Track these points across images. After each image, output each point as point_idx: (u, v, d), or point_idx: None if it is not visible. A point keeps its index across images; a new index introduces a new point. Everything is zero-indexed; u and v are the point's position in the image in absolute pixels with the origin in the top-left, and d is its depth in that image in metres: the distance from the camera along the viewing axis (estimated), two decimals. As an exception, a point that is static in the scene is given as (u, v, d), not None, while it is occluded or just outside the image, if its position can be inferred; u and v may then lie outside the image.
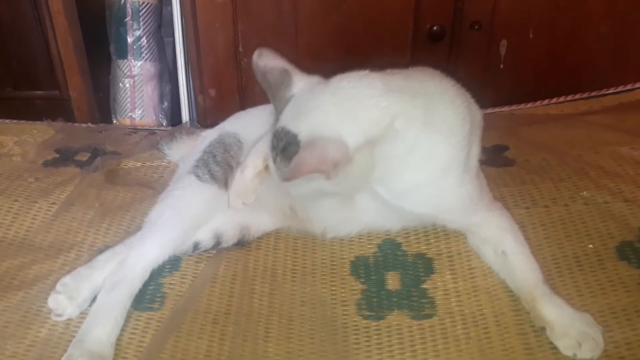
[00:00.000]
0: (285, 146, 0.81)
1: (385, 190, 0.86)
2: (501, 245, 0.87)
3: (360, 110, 0.79)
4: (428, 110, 0.82)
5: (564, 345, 0.77)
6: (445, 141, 0.83)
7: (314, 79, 0.86)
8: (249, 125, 1.04)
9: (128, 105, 1.61)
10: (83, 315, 0.85)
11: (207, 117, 1.53)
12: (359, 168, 0.80)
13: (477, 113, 0.91)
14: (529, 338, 0.80)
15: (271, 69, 0.85)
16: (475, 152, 0.89)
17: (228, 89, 1.51)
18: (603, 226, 0.94)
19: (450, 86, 0.88)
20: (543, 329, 0.79)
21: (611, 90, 1.39)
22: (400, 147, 0.81)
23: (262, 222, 1.00)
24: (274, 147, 0.83)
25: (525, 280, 0.84)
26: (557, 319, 0.78)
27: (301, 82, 0.85)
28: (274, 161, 0.84)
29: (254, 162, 0.94)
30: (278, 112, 0.86)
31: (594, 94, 1.38)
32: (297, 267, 0.94)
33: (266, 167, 0.93)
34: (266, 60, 0.86)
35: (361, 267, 0.94)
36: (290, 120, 0.82)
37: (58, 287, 0.86)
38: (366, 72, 0.83)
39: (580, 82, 1.46)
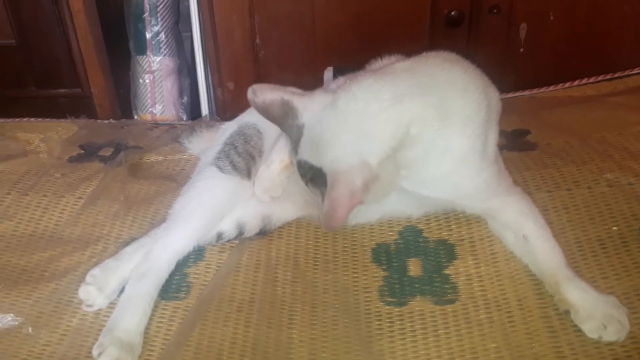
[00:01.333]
0: (312, 177, 0.83)
1: (406, 182, 0.86)
2: (522, 229, 0.87)
3: (374, 129, 0.78)
4: (441, 106, 0.81)
5: (589, 328, 0.76)
6: (461, 133, 0.83)
7: (318, 100, 0.83)
8: None
9: (148, 100, 1.63)
10: (112, 305, 0.87)
11: (226, 110, 1.54)
12: (386, 179, 0.80)
13: (494, 96, 0.89)
14: (552, 321, 0.80)
15: (271, 103, 0.84)
16: (493, 137, 0.88)
17: (246, 81, 1.51)
18: (627, 208, 0.93)
19: (463, 72, 0.86)
20: (567, 312, 0.79)
21: (635, 71, 1.36)
22: (420, 149, 0.81)
23: (283, 211, 1.01)
24: (302, 175, 0.85)
25: (548, 263, 0.84)
26: (582, 302, 0.78)
27: (307, 109, 0.83)
28: (306, 185, 0.86)
29: (280, 156, 0.95)
30: (292, 141, 0.86)
31: (617, 75, 1.35)
32: (318, 255, 0.95)
33: (292, 162, 0.93)
34: (263, 96, 0.84)
35: (382, 254, 0.94)
36: (310, 155, 0.82)
37: (88, 278, 0.88)
38: (370, 79, 0.81)
39: (603, 64, 1.42)
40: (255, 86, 0.85)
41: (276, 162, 0.95)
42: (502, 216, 0.90)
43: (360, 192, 0.76)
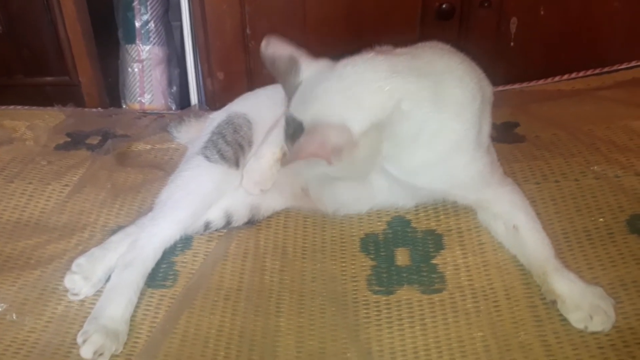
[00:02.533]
0: (293, 133, 0.82)
1: (396, 169, 0.87)
2: (512, 220, 0.87)
3: (364, 96, 0.79)
4: (436, 90, 0.81)
5: (576, 318, 0.77)
6: (454, 119, 0.83)
7: (322, 64, 0.85)
8: (258, 106, 1.04)
9: (137, 89, 1.62)
10: (97, 294, 0.87)
11: (215, 100, 1.53)
12: (365, 152, 0.80)
13: (488, 88, 0.90)
14: (538, 310, 0.80)
15: (279, 57, 0.85)
16: (486, 129, 0.89)
17: (236, 71, 1.51)
18: (614, 200, 0.93)
19: (459, 63, 0.87)
20: (554, 302, 0.79)
21: (624, 66, 1.37)
22: (409, 128, 0.81)
23: (272, 201, 1.00)
24: (286, 133, 0.84)
25: (537, 254, 0.84)
26: (569, 293, 0.79)
27: (309, 68, 0.84)
28: (288, 146, 0.85)
29: (272, 150, 0.95)
30: (288, 99, 0.86)
31: (605, 69, 1.36)
32: (307, 245, 0.95)
33: (284, 155, 0.93)
34: (274, 49, 0.85)
35: (371, 244, 0.94)
36: (297, 108, 0.82)
37: (74, 267, 0.87)
38: (372, 55, 0.82)
39: (592, 59, 1.43)
40: (272, 37, 0.85)
41: (268, 154, 0.95)
42: (494, 207, 0.90)
43: (329, 150, 0.75)
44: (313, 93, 0.81)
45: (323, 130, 0.77)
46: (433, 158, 0.84)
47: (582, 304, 0.77)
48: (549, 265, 0.82)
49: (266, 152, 0.96)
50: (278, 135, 0.93)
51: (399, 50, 0.87)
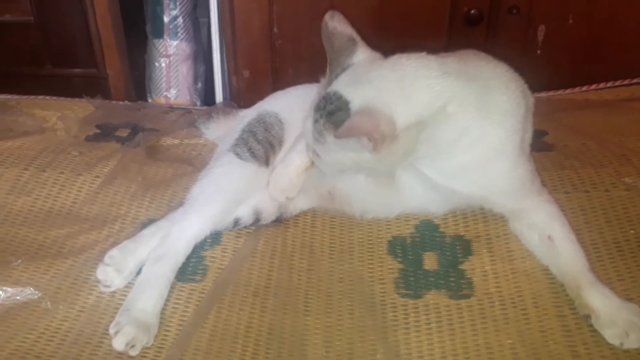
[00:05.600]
0: (333, 110, 0.80)
1: (434, 172, 0.87)
2: (548, 230, 0.87)
3: (414, 91, 0.79)
4: (482, 95, 0.82)
5: (611, 334, 0.76)
6: (497, 125, 0.83)
7: (377, 54, 0.87)
8: (289, 106, 1.04)
9: (163, 84, 1.63)
10: (128, 286, 0.88)
11: (240, 98, 1.54)
12: (402, 147, 0.80)
13: (530, 98, 0.91)
14: (567, 320, 0.80)
15: (339, 33, 0.86)
16: (528, 136, 0.90)
17: (262, 70, 1.52)
18: (645, 212, 0.93)
19: (506, 70, 0.88)
20: (588, 316, 0.79)
21: (653, 77, 1.36)
22: (451, 130, 0.81)
23: (299, 200, 1.01)
24: (319, 109, 0.82)
25: (571, 266, 0.83)
26: (604, 308, 0.78)
27: (364, 54, 0.86)
28: (315, 122, 0.83)
29: (301, 158, 0.95)
30: (331, 76, 0.86)
31: (635, 80, 1.35)
32: (334, 245, 0.96)
33: (313, 164, 0.93)
34: (337, 24, 0.86)
35: (398, 247, 0.95)
36: (346, 87, 0.82)
37: (106, 259, 0.88)
38: (423, 53, 0.83)
39: (620, 70, 1.42)
40: (336, 12, 0.86)
41: (296, 161, 0.95)
42: (530, 216, 0.89)
43: (379, 134, 0.75)
44: (366, 77, 0.81)
45: (377, 115, 0.76)
46: (471, 162, 0.84)
47: (617, 319, 0.76)
48: (583, 279, 0.81)
49: (295, 159, 0.96)
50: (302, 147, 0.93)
51: (443, 54, 0.87)
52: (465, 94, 0.80)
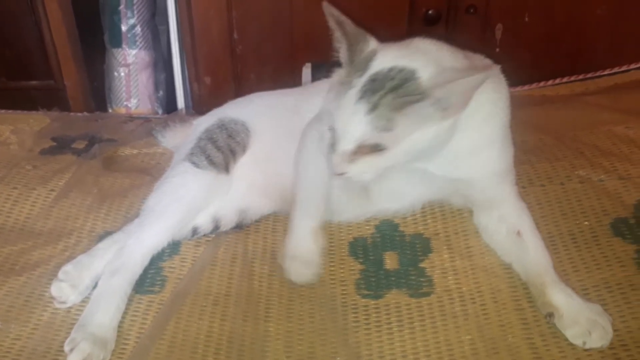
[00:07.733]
0: (398, 84, 0.75)
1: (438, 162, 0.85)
2: (518, 225, 0.87)
3: (465, 63, 0.82)
4: (493, 79, 0.84)
5: (573, 333, 0.76)
6: (504, 106, 0.87)
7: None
8: (258, 114, 1.03)
9: (123, 94, 1.60)
10: (84, 301, 0.86)
11: (202, 105, 1.53)
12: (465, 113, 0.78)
13: None
14: (525, 313, 0.81)
15: (347, 19, 0.82)
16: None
17: (223, 76, 1.51)
18: (598, 203, 0.95)
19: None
20: (550, 315, 0.79)
21: (607, 72, 1.39)
22: (470, 107, 0.78)
23: (260, 205, 1.00)
24: (375, 91, 0.76)
25: (537, 264, 0.84)
26: (567, 307, 0.78)
27: (374, 42, 0.83)
28: (373, 108, 0.75)
29: (308, 223, 0.89)
30: (355, 61, 0.80)
31: (589, 75, 1.38)
32: (296, 249, 0.95)
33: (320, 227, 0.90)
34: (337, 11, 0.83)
35: (359, 248, 0.95)
36: (400, 60, 0.77)
37: (60, 275, 0.86)
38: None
39: (576, 65, 1.46)
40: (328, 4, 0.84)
41: (305, 229, 0.89)
42: (502, 207, 0.89)
43: (485, 77, 0.73)
44: (417, 50, 0.80)
45: (461, 73, 0.75)
46: (479, 142, 0.86)
47: (580, 319, 0.76)
48: (548, 277, 0.81)
49: (304, 227, 0.89)
50: (313, 202, 0.90)
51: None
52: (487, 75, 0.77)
